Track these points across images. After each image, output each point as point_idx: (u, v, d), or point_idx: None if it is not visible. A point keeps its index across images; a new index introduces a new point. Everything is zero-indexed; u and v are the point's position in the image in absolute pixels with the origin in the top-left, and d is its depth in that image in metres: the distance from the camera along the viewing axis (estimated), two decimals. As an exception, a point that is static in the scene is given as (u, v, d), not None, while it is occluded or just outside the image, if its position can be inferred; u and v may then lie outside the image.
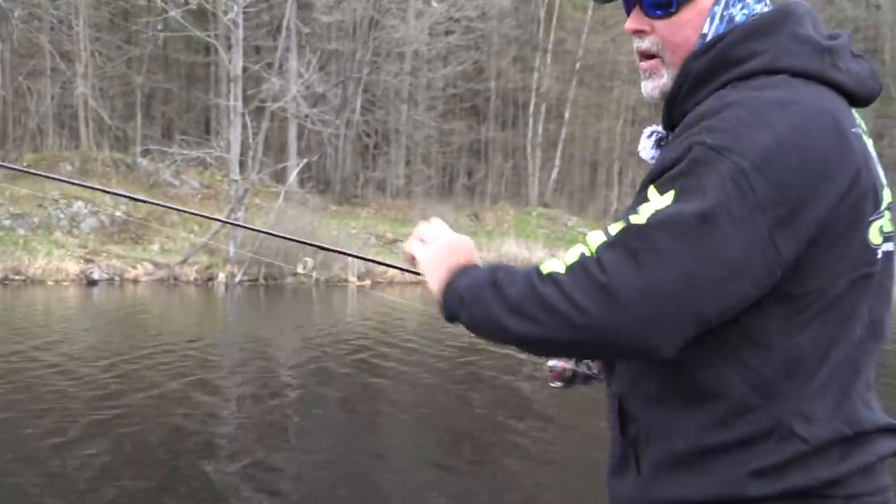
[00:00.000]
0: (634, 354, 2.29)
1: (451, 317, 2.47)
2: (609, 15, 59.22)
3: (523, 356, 15.04)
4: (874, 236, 2.28)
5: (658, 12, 2.44)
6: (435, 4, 51.69)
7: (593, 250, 2.19)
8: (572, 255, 2.23)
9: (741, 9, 2.42)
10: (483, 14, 53.06)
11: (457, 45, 53.19)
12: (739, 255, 2.11)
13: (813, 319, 2.24)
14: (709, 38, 2.42)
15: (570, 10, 58.67)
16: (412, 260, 2.72)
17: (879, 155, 2.45)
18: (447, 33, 52.50)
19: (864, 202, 2.24)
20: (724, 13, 2.41)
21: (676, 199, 2.14)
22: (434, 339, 22.20)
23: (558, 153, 60.77)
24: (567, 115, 60.10)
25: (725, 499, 2.27)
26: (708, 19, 2.42)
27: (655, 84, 2.55)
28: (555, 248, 47.86)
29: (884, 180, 2.37)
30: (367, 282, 39.10)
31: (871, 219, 2.27)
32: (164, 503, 9.28)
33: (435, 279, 2.52)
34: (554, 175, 60.81)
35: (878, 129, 62.01)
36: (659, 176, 2.25)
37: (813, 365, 2.24)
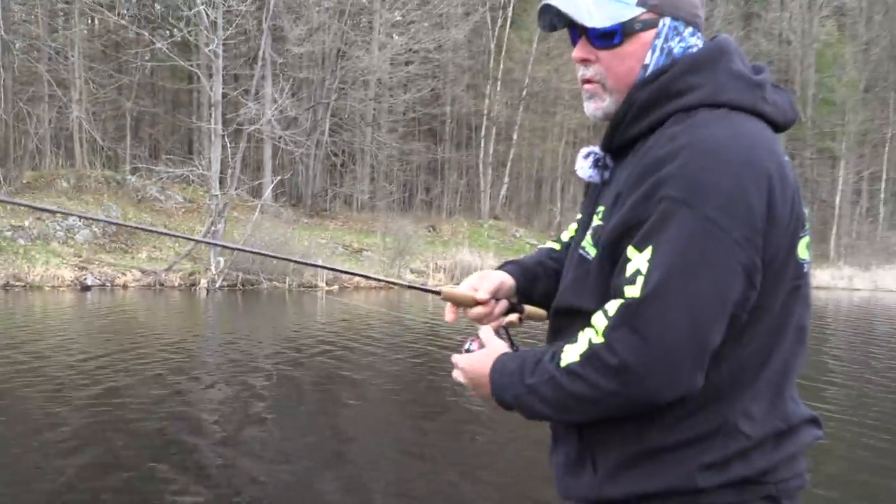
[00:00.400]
0: (667, 399, 2.24)
1: (508, 409, 2.51)
2: (553, 47, 59.46)
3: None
4: (802, 251, 2.38)
5: (604, 44, 2.46)
6: (396, 37, 51.65)
7: (601, 334, 2.24)
8: (583, 343, 2.28)
9: (679, 42, 2.46)
10: (439, 46, 53.11)
11: (416, 73, 53.19)
12: (726, 291, 2.19)
13: (756, 333, 2.32)
14: (650, 69, 2.46)
15: (517, 42, 58.77)
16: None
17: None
18: (407, 63, 52.50)
19: (799, 223, 2.34)
20: (664, 46, 2.45)
21: (656, 256, 2.20)
22: (393, 333, 22.98)
23: (507, 171, 60.95)
24: (515, 137, 60.24)
25: (676, 490, 2.32)
26: (650, 51, 2.45)
27: (598, 105, 2.56)
28: (504, 256, 47.94)
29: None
30: (335, 287, 39.08)
31: (800, 236, 2.37)
32: (151, 478, 9.11)
33: (483, 394, 2.57)
34: (503, 191, 61.01)
35: (791, 151, 62.48)
36: (633, 230, 2.28)
37: (754, 371, 2.34)
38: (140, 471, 9.45)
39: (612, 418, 2.34)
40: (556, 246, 3.10)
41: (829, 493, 8.46)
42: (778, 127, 2.44)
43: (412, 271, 43.49)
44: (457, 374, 2.68)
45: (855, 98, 63.42)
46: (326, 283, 38.79)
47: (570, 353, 2.29)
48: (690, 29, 2.48)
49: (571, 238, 2.91)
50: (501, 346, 2.60)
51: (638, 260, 2.22)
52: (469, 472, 9.71)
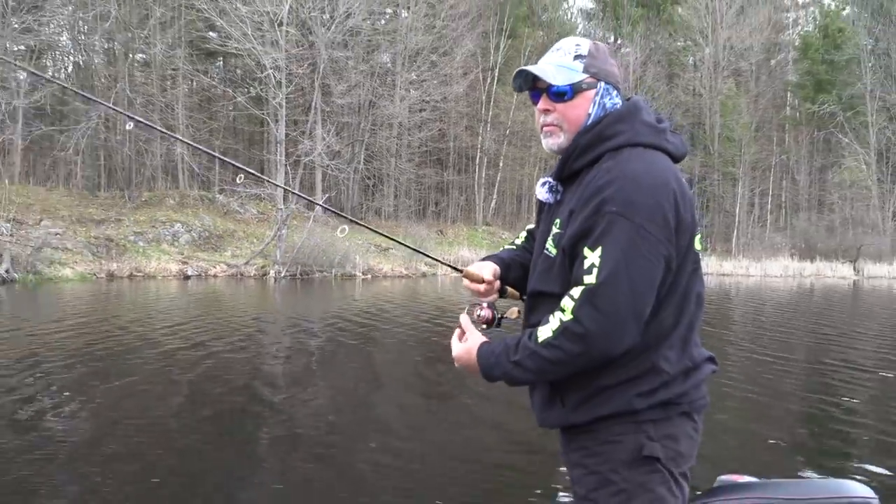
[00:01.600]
0: (619, 353, 2.44)
1: (492, 381, 2.69)
2: (528, 97, 59.09)
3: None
4: (697, 244, 2.62)
5: (560, 99, 2.69)
6: (412, 91, 51.41)
7: (570, 312, 2.42)
8: (555, 322, 2.46)
9: (610, 99, 2.70)
10: (444, 98, 52.94)
11: (427, 118, 53.02)
12: (654, 275, 2.44)
13: (670, 303, 2.54)
14: (591, 118, 2.68)
15: (502, 94, 58.49)
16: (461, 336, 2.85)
17: (702, 191, 2.73)
18: (421, 110, 52.30)
19: (694, 224, 2.56)
20: (601, 101, 2.68)
21: (605, 253, 2.40)
22: (415, 309, 22.48)
23: (495, 190, 60.78)
24: (501, 164, 60.09)
25: (620, 412, 2.51)
26: (592, 104, 2.68)
27: (555, 141, 2.75)
28: (494, 252, 47.80)
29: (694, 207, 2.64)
30: (369, 276, 38.99)
31: (696, 233, 2.59)
32: (242, 411, 9.20)
33: (472, 372, 2.70)
34: (493, 204, 60.81)
35: (703, 174, 62.61)
36: (586, 236, 2.47)
37: (670, 328, 2.55)
38: (230, 407, 9.45)
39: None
40: (520, 240, 3.36)
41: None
42: (676, 159, 2.64)
43: (426, 264, 43.44)
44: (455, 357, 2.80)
45: (749, 136, 63.31)
46: (362, 273, 38.78)
47: (545, 331, 2.48)
48: (615, 91, 2.72)
49: (529, 233, 3.31)
50: (479, 338, 2.72)
51: (592, 257, 2.42)
52: (473, 406, 9.61)
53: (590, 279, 2.41)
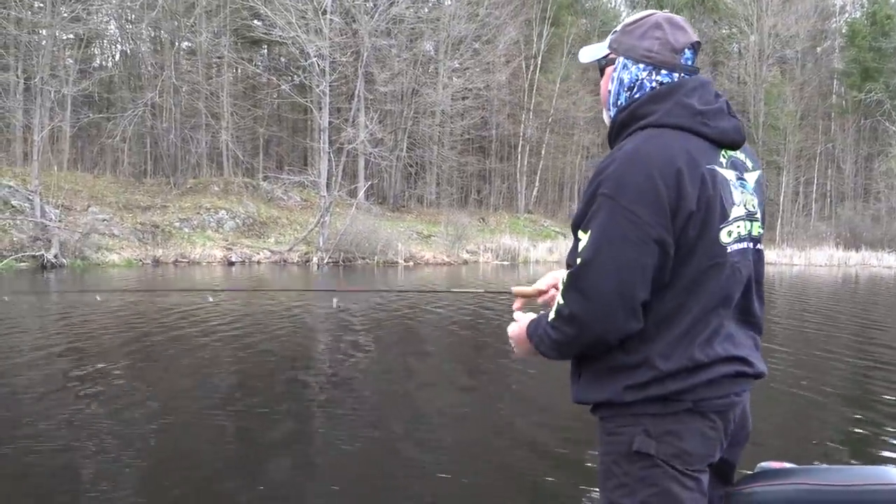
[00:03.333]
0: (615, 338, 2.38)
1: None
2: (571, 85, 59.11)
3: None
4: (724, 237, 2.38)
5: (600, 75, 2.70)
6: (455, 80, 51.32)
7: (561, 295, 2.42)
8: (555, 303, 2.46)
9: (626, 73, 2.57)
10: (487, 86, 52.81)
11: (470, 106, 52.94)
12: (642, 259, 2.29)
13: (671, 295, 2.37)
14: (611, 94, 2.62)
15: (544, 82, 58.33)
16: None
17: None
18: (463, 98, 52.21)
19: (710, 215, 2.35)
20: (618, 76, 2.60)
21: (593, 235, 2.35)
22: (451, 293, 23.07)
23: (537, 178, 60.60)
24: (543, 152, 59.84)
25: (612, 402, 2.44)
26: (610, 80, 2.65)
27: (604, 117, 2.71)
28: (536, 241, 47.89)
29: (736, 199, 2.44)
30: (411, 263, 39.01)
31: (720, 226, 2.37)
32: (290, 381, 9.28)
33: (526, 350, 2.66)
34: (535, 192, 60.67)
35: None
36: (584, 219, 2.41)
37: (670, 323, 2.38)
38: (274, 380, 9.55)
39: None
40: None
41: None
42: (722, 144, 2.46)
43: (467, 251, 43.35)
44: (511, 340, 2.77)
45: (793, 124, 62.58)
46: (404, 260, 38.80)
47: (551, 312, 2.48)
48: (641, 65, 2.53)
49: None
50: (529, 317, 2.67)
51: (584, 239, 2.37)
52: (508, 387, 9.60)
53: (578, 262, 2.38)
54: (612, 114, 2.61)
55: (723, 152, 2.45)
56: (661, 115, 2.43)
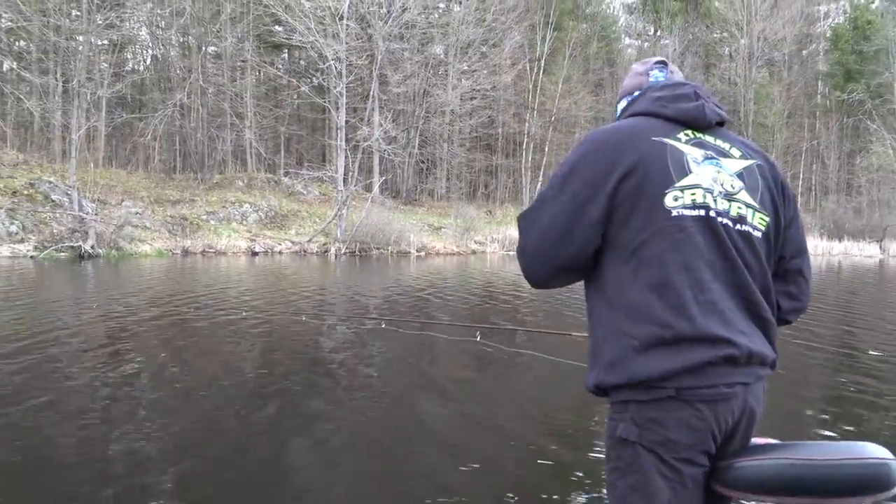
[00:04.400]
0: (535, 278, 2.49)
1: None
2: (572, 87, 59.02)
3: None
4: (669, 201, 2.25)
5: None
6: (464, 81, 51.26)
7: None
8: None
9: (619, 108, 2.74)
10: (494, 87, 52.75)
11: (478, 105, 52.79)
12: (567, 220, 2.31)
13: (621, 261, 2.29)
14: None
15: (548, 83, 58.14)
16: None
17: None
18: (471, 98, 52.04)
19: (647, 177, 2.27)
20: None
21: (541, 189, 2.56)
22: (462, 282, 22.28)
23: (541, 173, 60.37)
24: (546, 149, 59.63)
25: (599, 386, 2.34)
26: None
27: None
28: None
29: (694, 171, 2.31)
30: (423, 253, 39.03)
31: (663, 189, 2.26)
32: (291, 370, 8.66)
33: None
34: (538, 186, 60.42)
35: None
36: None
37: (629, 288, 2.26)
38: (294, 369, 9.11)
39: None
40: None
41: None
42: (682, 123, 2.43)
43: (475, 242, 43.38)
44: None
45: (781, 123, 62.42)
46: (416, 250, 38.85)
47: None
48: (624, 99, 2.70)
49: None
50: None
51: None
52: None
53: (523, 210, 2.51)
54: None
55: (685, 131, 2.40)
56: (630, 110, 2.56)
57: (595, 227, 2.30)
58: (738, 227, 2.31)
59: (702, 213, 2.27)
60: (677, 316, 2.19)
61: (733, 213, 2.31)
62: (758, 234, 2.36)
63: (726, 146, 2.44)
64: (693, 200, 2.27)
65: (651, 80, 2.62)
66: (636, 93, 2.63)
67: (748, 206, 2.34)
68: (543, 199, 2.40)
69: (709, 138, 2.43)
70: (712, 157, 2.37)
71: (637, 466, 2.25)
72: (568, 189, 2.34)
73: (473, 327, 11.85)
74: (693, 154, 2.35)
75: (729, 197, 2.32)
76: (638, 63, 2.75)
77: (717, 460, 2.32)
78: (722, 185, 2.33)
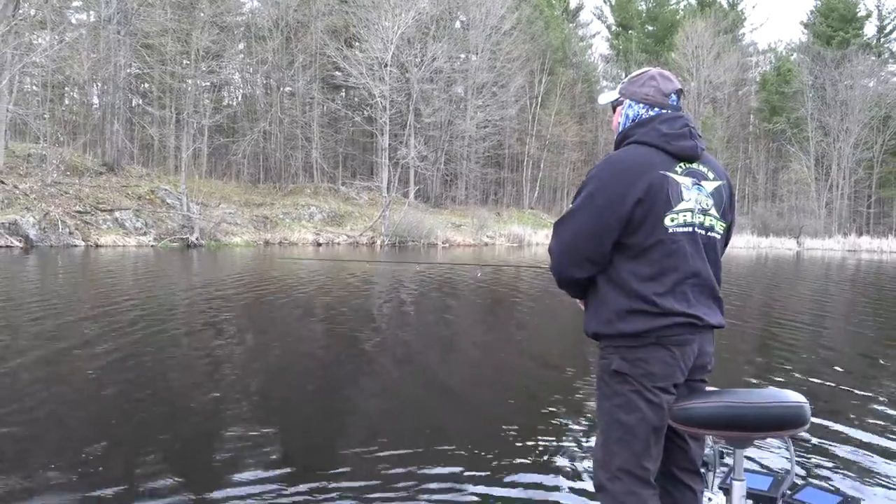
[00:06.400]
0: (565, 277, 2.52)
1: None
2: (562, 118, 58.73)
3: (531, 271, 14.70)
4: (668, 221, 2.38)
5: (613, 111, 2.69)
6: (479, 114, 51.00)
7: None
8: None
9: (633, 110, 2.58)
10: (502, 118, 52.47)
11: (489, 132, 52.59)
12: (592, 228, 2.38)
13: (623, 258, 2.41)
14: (620, 125, 2.62)
15: (543, 115, 57.83)
16: None
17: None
18: (485, 127, 51.77)
19: (654, 204, 2.36)
20: (625, 112, 2.61)
21: (571, 207, 2.48)
22: (477, 259, 22.18)
23: (538, 184, 60.33)
24: (542, 165, 59.55)
25: (596, 334, 2.50)
26: (620, 115, 2.64)
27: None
28: (537, 229, 47.76)
29: (685, 197, 2.42)
30: (447, 244, 39.02)
31: (664, 213, 2.37)
32: (316, 342, 8.05)
33: None
34: (536, 194, 60.45)
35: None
36: (575, 199, 2.50)
37: (627, 278, 2.40)
38: (319, 343, 8.64)
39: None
40: None
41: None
42: (680, 157, 2.45)
43: (487, 237, 43.39)
44: None
45: (722, 146, 61.76)
46: (442, 243, 38.86)
47: None
48: (641, 104, 2.56)
49: None
50: None
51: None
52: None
53: (558, 219, 2.54)
54: (618, 135, 2.65)
55: (681, 164, 2.46)
56: (639, 135, 2.48)
57: (613, 232, 2.38)
58: (708, 234, 2.49)
59: (689, 229, 2.43)
60: (661, 297, 2.38)
61: (706, 224, 2.48)
62: (718, 236, 2.53)
63: (705, 170, 2.52)
64: (684, 220, 2.41)
65: (671, 101, 2.55)
66: (651, 112, 2.55)
67: (715, 218, 2.50)
68: (577, 209, 2.44)
69: (695, 166, 2.49)
70: (697, 183, 2.46)
71: (623, 391, 2.41)
72: (595, 204, 2.39)
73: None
74: (685, 182, 2.44)
75: (704, 212, 2.46)
76: (660, 75, 2.61)
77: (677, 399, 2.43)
78: (700, 203, 2.45)
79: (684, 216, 2.41)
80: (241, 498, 3.77)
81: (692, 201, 2.43)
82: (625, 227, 2.38)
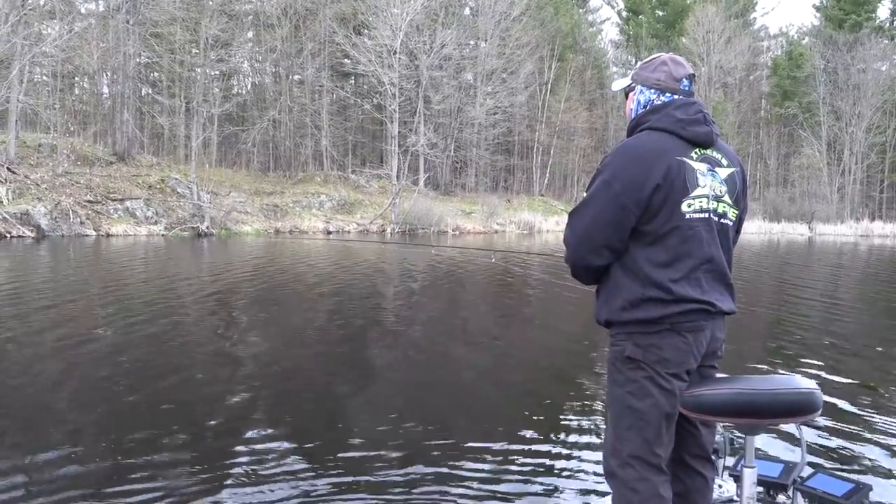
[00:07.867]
0: (581, 265, 2.49)
1: None
2: (572, 104, 58.47)
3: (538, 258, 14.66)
4: (684, 207, 2.36)
5: (625, 97, 2.67)
6: (489, 101, 50.77)
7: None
8: None
9: (644, 96, 2.56)
10: (511, 105, 52.18)
11: (499, 119, 52.34)
12: (610, 216, 2.36)
13: (638, 245, 2.39)
14: (633, 111, 2.60)
15: (553, 102, 57.55)
16: None
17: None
18: (494, 114, 51.51)
19: (672, 189, 2.34)
20: (637, 98, 2.59)
21: (586, 195, 2.44)
22: (487, 252, 22.13)
23: (548, 171, 59.96)
24: (552, 152, 59.19)
25: (610, 321, 2.47)
26: (633, 101, 2.61)
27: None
28: (547, 216, 47.66)
29: (701, 183, 2.40)
30: (457, 232, 38.97)
31: (681, 198, 2.35)
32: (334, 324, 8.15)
33: None
34: (546, 181, 60.13)
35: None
36: (589, 186, 2.47)
37: (642, 264, 2.37)
38: (335, 324, 8.65)
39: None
40: None
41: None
42: (695, 143, 2.43)
43: (497, 224, 43.27)
44: None
45: (733, 131, 61.40)
46: (452, 230, 38.82)
47: None
48: (653, 90, 2.54)
49: None
50: None
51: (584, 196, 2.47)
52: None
53: (574, 207, 2.50)
54: (628, 123, 2.64)
55: (696, 150, 2.43)
56: (653, 121, 2.46)
57: (632, 218, 2.35)
58: (721, 220, 2.46)
59: (705, 215, 2.40)
60: (675, 284, 2.36)
61: (720, 210, 2.45)
62: (730, 223, 2.50)
63: (720, 157, 2.50)
64: (700, 206, 2.39)
65: (682, 86, 2.53)
66: (664, 97, 2.53)
67: (728, 205, 2.47)
68: (592, 197, 2.42)
69: (709, 152, 2.47)
70: (712, 169, 2.44)
71: (634, 377, 2.39)
72: (612, 191, 2.36)
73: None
74: (701, 168, 2.42)
75: (718, 199, 2.44)
76: (671, 59, 2.59)
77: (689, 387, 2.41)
78: (714, 190, 2.43)
79: (700, 202, 2.39)
80: (258, 483, 3.77)
81: (707, 187, 2.41)
82: (643, 213, 2.35)
